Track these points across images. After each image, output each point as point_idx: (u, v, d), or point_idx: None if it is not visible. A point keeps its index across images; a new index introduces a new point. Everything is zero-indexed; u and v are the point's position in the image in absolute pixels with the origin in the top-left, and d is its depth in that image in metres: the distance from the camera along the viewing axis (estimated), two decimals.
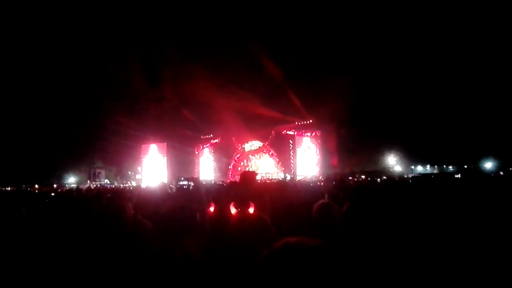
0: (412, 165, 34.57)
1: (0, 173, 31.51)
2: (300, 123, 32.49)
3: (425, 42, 28.63)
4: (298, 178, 26.32)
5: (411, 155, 33.40)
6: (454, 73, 28.91)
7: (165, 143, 37.96)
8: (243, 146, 35.84)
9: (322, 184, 10.25)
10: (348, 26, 28.24)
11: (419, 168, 34.24)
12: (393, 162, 34.26)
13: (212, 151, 38.00)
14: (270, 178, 28.75)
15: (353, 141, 30.27)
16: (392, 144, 33.49)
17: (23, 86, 31.95)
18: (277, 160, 34.27)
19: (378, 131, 31.10)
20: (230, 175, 34.28)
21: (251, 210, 3.21)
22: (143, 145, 39.20)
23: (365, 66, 29.07)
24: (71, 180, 40.62)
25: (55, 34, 27.85)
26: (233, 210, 3.30)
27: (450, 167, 31.51)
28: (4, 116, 32.37)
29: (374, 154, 33.00)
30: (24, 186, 30.67)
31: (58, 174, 39.90)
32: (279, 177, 28.65)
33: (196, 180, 4.56)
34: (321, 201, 3.01)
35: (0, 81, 29.43)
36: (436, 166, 33.89)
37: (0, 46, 27.08)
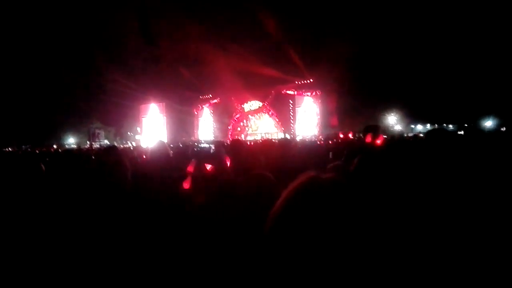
0: (412, 124, 34.62)
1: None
2: (300, 82, 32.01)
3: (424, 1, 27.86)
4: (298, 138, 26.35)
5: (411, 114, 33.38)
6: (454, 31, 28.29)
7: (164, 103, 37.63)
8: (242, 106, 35.57)
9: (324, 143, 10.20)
10: None
11: (419, 127, 34.32)
12: (393, 121, 34.27)
13: (212, 111, 37.72)
14: (270, 138, 28.79)
15: (353, 100, 30.09)
16: (392, 103, 33.37)
17: (21, 47, 31.26)
18: (277, 120, 34.15)
19: (378, 90, 30.87)
20: (229, 135, 34.31)
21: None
22: (142, 105, 38.90)
23: (365, 25, 28.40)
24: (71, 141, 40.78)
25: None
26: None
27: (451, 125, 31.56)
28: (1, 77, 31.87)
29: (374, 113, 32.92)
30: (23, 147, 30.82)
31: (57, 135, 40.00)
32: (278, 137, 28.69)
33: (217, 143, 4.61)
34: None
35: None
36: (436, 125, 33.97)
37: None
